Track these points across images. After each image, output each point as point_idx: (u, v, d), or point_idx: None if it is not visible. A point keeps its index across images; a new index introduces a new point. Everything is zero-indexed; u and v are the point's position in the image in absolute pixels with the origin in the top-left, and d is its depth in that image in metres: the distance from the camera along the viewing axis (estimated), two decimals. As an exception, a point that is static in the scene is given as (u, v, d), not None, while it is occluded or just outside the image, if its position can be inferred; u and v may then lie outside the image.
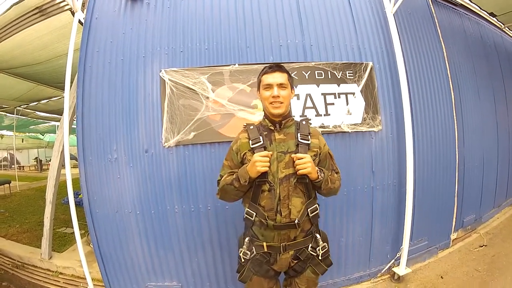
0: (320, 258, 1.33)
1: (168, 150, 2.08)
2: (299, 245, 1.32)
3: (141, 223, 2.14)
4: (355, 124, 2.23)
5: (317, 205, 1.35)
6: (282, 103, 1.30)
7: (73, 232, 2.21)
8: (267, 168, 1.25)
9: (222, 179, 1.38)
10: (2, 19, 2.85)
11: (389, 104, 2.40)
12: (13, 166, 13.54)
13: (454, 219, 2.94)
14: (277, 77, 1.30)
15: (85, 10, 2.37)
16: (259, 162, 1.22)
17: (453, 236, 2.99)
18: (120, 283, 2.27)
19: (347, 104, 2.23)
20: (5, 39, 2.97)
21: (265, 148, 1.30)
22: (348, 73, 2.26)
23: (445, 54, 2.94)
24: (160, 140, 2.08)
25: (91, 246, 2.34)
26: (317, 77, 2.17)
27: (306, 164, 1.23)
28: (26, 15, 2.71)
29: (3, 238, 3.70)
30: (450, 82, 2.91)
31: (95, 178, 2.15)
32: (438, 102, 2.74)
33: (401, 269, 2.41)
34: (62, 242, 3.53)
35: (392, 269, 2.47)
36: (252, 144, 1.32)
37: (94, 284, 2.30)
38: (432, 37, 2.88)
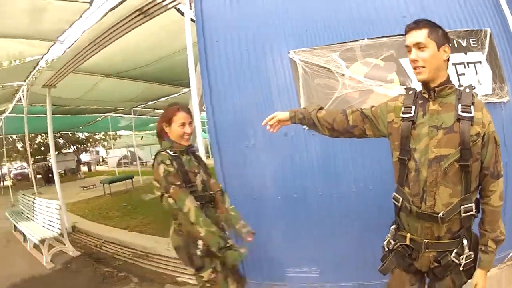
0: (462, 268, 1.12)
1: (309, 131, 2.05)
2: (442, 247, 1.13)
3: (282, 208, 2.12)
4: (486, 95, 2.15)
5: (473, 204, 1.10)
6: (423, 67, 1.08)
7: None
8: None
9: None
10: (100, 25, 2.93)
11: (511, 73, 2.33)
12: (134, 162, 14.37)
13: None
14: (412, 36, 1.08)
15: (192, 5, 2.42)
16: None
17: None
18: (256, 271, 2.24)
19: (476, 73, 2.17)
20: (107, 45, 3.03)
21: (413, 122, 1.13)
22: (472, 41, 2.20)
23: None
24: (299, 122, 2.07)
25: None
26: (445, 46, 2.13)
27: None
28: (127, 18, 2.78)
29: (125, 231, 3.70)
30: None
31: (231, 165, 2.16)
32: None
33: (528, 254, 2.29)
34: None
35: (519, 254, 2.34)
36: (402, 113, 1.17)
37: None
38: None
